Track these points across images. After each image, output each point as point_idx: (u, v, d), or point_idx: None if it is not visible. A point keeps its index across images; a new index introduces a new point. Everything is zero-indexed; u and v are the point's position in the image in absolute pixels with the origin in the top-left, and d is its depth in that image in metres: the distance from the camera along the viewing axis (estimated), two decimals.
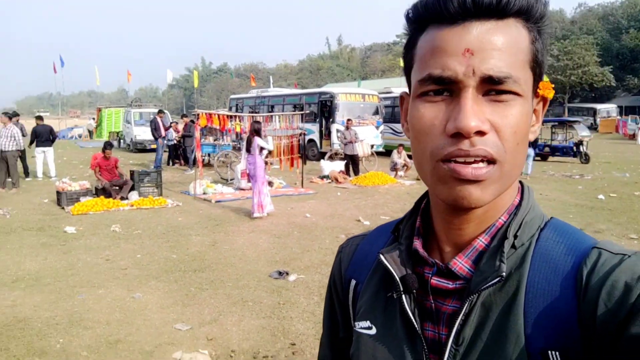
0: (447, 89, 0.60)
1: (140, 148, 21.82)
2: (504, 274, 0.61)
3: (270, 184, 11.15)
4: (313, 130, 18.80)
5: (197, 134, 11.21)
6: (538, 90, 0.66)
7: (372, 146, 16.00)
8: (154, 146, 16.73)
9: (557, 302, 0.60)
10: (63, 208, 9.03)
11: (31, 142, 12.89)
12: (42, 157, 13.04)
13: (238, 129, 12.24)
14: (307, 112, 16.37)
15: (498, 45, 0.58)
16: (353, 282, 0.81)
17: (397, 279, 0.69)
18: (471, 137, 0.58)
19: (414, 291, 0.69)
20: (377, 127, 18.93)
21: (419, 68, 0.63)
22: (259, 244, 6.78)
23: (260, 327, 4.14)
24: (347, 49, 78.13)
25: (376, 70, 69.02)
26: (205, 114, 11.36)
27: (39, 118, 13.27)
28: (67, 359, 3.56)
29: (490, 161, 0.59)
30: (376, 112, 19.47)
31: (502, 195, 0.65)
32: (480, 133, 0.58)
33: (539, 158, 18.96)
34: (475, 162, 0.59)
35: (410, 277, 0.69)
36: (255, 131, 8.46)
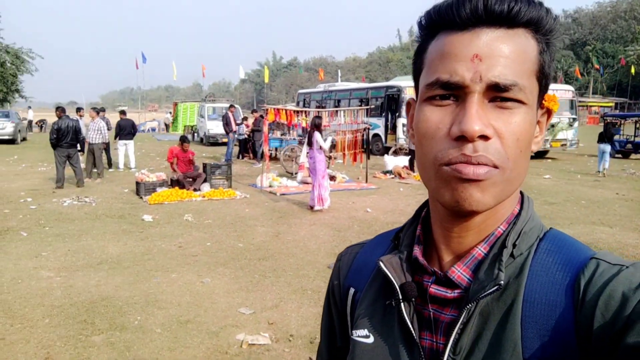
0: (454, 94, 0.61)
1: (212, 141, 22.80)
2: (502, 282, 0.62)
3: (333, 178, 11.35)
4: (378, 125, 18.79)
5: (265, 128, 11.61)
6: (543, 102, 0.67)
7: None
8: (225, 140, 17.44)
9: (554, 312, 0.60)
10: (141, 197, 9.74)
11: (115, 136, 13.93)
12: (124, 150, 14.05)
13: (304, 124, 12.54)
14: (372, 106, 16.38)
15: (506, 53, 0.59)
16: (352, 290, 0.81)
17: (397, 286, 0.70)
18: (475, 141, 0.58)
19: (413, 299, 0.69)
20: None
21: (427, 72, 0.64)
22: (320, 236, 6.99)
23: (317, 314, 4.33)
24: None
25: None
26: (273, 109, 11.75)
27: (122, 112, 14.30)
28: (144, 334, 3.95)
29: (493, 167, 0.60)
30: None
31: (502, 203, 0.65)
32: (484, 137, 0.59)
33: (620, 155, 17.78)
34: (478, 164, 0.60)
35: (410, 285, 0.69)
36: (316, 126, 8.68)
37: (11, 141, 22.17)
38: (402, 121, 17.49)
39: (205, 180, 10.85)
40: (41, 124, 33.67)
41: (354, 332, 0.76)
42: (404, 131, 16.52)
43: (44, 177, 12.22)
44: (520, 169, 0.63)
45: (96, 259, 5.87)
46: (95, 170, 12.11)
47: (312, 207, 8.60)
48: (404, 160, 13.79)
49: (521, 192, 0.72)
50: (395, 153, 15.65)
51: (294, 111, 12.31)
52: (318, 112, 11.96)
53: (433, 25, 0.65)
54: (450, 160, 0.60)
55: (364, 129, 12.47)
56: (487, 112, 0.60)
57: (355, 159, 12.54)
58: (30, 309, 4.39)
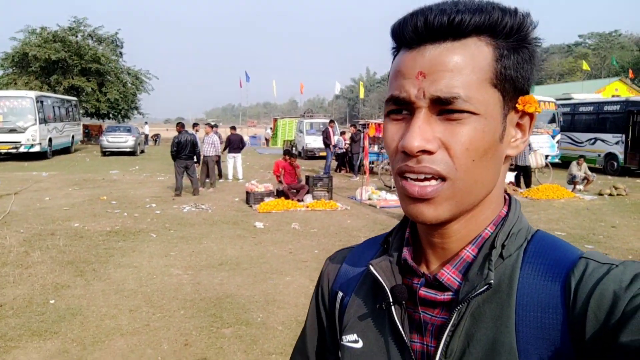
0: (405, 109, 0.63)
1: (309, 155, 23.58)
2: (492, 281, 0.62)
3: None
4: None
5: (366, 142, 11.83)
6: (517, 106, 0.65)
7: (546, 157, 14.97)
8: (322, 153, 17.94)
9: (547, 313, 0.60)
10: (251, 206, 10.36)
11: (224, 149, 14.94)
12: (233, 162, 15.01)
13: None
14: None
15: (449, 66, 0.59)
16: (340, 294, 0.81)
17: (387, 289, 0.69)
18: (418, 156, 0.60)
19: (403, 302, 0.69)
20: (553, 137, 17.60)
21: (388, 88, 0.67)
22: None
23: None
24: None
25: (553, 74, 63.39)
26: (374, 124, 11.95)
27: (233, 128, 15.32)
28: (267, 330, 4.25)
29: (440, 178, 0.61)
30: (552, 120, 18.11)
31: (481, 208, 0.66)
32: (426, 152, 0.60)
33: None
34: (425, 179, 0.61)
35: (400, 287, 0.69)
36: None
37: (132, 153, 24.54)
38: None
39: (308, 192, 11.28)
40: (155, 137, 36.90)
41: (343, 337, 0.75)
42: None
43: (163, 185, 13.43)
44: (478, 178, 0.62)
45: (217, 260, 6.38)
46: (208, 180, 13.07)
47: None
48: (509, 176, 13.27)
49: (508, 195, 0.72)
50: None
51: None
52: None
53: (395, 44, 0.67)
54: (398, 169, 0.63)
55: None
56: (434, 126, 0.60)
57: None
58: (167, 301, 4.90)
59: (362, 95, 45.11)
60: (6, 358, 3.70)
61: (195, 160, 12.20)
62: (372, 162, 16.05)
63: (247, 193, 10.83)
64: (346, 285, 0.80)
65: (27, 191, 12.00)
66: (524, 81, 0.64)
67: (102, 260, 6.23)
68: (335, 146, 17.01)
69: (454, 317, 0.63)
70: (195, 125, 15.34)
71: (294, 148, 26.91)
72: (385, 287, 0.69)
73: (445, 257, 0.68)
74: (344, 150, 17.60)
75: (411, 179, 0.61)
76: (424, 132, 0.60)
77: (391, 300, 0.69)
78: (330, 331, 0.83)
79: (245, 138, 22.66)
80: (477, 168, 0.61)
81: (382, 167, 14.50)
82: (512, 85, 0.63)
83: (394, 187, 8.82)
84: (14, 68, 31.06)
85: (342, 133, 18.78)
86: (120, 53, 35.54)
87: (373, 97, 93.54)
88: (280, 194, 11.14)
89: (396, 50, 0.67)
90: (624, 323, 0.53)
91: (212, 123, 14.95)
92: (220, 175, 15.05)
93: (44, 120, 21.28)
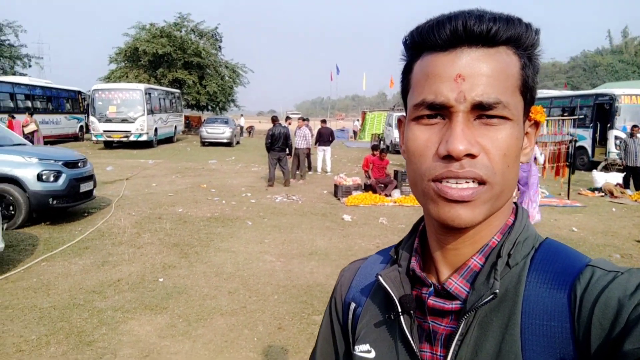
0: (440, 113, 0.62)
1: (398, 150, 23.27)
2: (497, 291, 0.62)
3: None
4: (584, 137, 16.97)
5: None
6: (530, 115, 0.68)
7: None
8: None
9: (552, 320, 0.60)
10: (339, 199, 10.54)
11: (315, 142, 15.28)
12: (322, 155, 15.33)
13: None
14: (578, 116, 14.90)
15: (488, 72, 0.60)
16: (352, 305, 0.82)
17: (396, 299, 0.70)
18: (461, 160, 0.60)
19: (412, 312, 0.70)
20: None
21: (414, 93, 0.66)
22: None
23: None
24: (635, 42, 66.33)
25: None
26: None
27: (323, 121, 15.63)
28: None
29: (480, 182, 0.61)
30: None
31: (496, 215, 0.66)
32: (470, 156, 0.60)
33: None
34: (464, 182, 0.61)
35: (409, 297, 0.70)
36: None
37: (228, 144, 25.86)
38: (614, 133, 15.56)
39: (396, 187, 11.24)
40: (250, 129, 38.55)
41: (356, 347, 0.76)
42: (616, 144, 14.66)
43: (256, 176, 14.06)
44: (509, 182, 0.64)
45: (307, 249, 6.62)
46: (298, 172, 13.48)
47: None
48: (616, 177, 12.26)
49: (515, 204, 0.72)
50: (606, 169, 14.00)
51: None
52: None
53: (417, 46, 0.66)
54: (437, 176, 0.62)
55: (569, 141, 11.46)
56: (473, 130, 0.61)
57: (558, 173, 11.59)
58: (261, 285, 5.21)
59: None
60: (124, 327, 4.17)
61: (287, 152, 12.63)
62: None
63: (336, 186, 11.03)
64: (359, 296, 0.81)
65: (136, 177, 13.16)
66: (534, 91, 0.66)
67: (203, 244, 6.73)
68: None
69: (462, 327, 0.64)
70: (287, 118, 15.84)
71: (382, 142, 26.79)
72: (394, 297, 0.70)
73: (454, 266, 0.69)
74: None
75: (449, 182, 0.61)
76: (467, 135, 0.60)
77: (400, 310, 0.70)
78: (344, 342, 0.84)
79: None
80: (510, 173, 0.63)
81: None
82: (530, 94, 0.65)
83: None
84: (126, 62, 33.85)
85: None
86: (219, 47, 37.43)
87: None
88: (368, 187, 11.21)
89: (414, 53, 0.67)
90: (628, 331, 0.53)
91: (305, 117, 15.34)
92: (309, 167, 15.43)
93: (151, 111, 23.09)
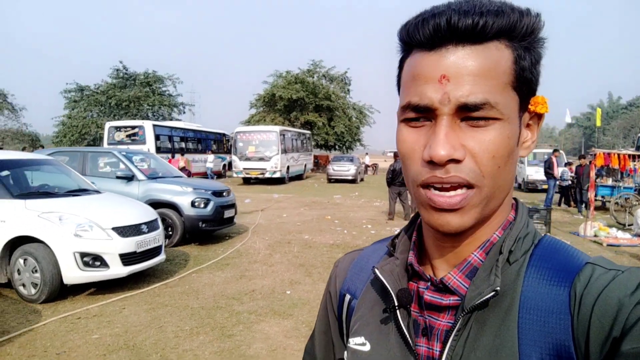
0: (425, 116, 0.60)
1: (531, 187, 22.01)
2: (498, 288, 0.61)
3: None
4: None
5: (592, 173, 10.87)
6: (529, 107, 0.64)
7: None
8: (545, 186, 16.77)
9: (551, 318, 0.59)
10: None
11: None
12: None
13: None
14: None
15: (475, 71, 0.57)
16: (347, 297, 0.81)
17: (392, 293, 0.69)
18: (445, 165, 0.58)
19: (409, 306, 0.68)
20: None
21: (402, 93, 0.64)
22: None
23: None
24: None
25: None
26: (603, 153, 10.92)
27: None
28: None
29: (468, 186, 0.59)
30: None
31: (496, 212, 0.65)
32: (455, 161, 0.58)
33: None
34: (451, 188, 0.59)
35: (405, 291, 0.68)
36: None
37: (352, 181, 26.82)
38: None
39: None
40: (374, 167, 39.38)
41: (350, 340, 0.75)
42: None
43: (377, 210, 14.55)
44: (501, 183, 0.62)
45: None
46: None
47: None
48: None
49: (515, 199, 0.71)
50: None
51: (629, 155, 11.09)
52: None
53: (406, 43, 0.64)
54: (424, 181, 0.60)
55: None
56: (458, 133, 0.59)
57: None
58: None
59: (598, 123, 39.85)
60: (257, 327, 4.87)
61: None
62: (602, 197, 14.43)
63: None
64: (354, 288, 0.80)
65: (270, 209, 14.48)
66: (535, 82, 0.63)
67: (325, 266, 7.37)
68: (559, 178, 15.80)
69: (459, 322, 0.63)
70: None
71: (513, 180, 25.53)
72: (391, 290, 0.69)
73: (454, 261, 0.67)
74: (569, 182, 16.18)
75: (436, 188, 0.60)
76: (450, 140, 0.58)
77: (396, 304, 0.68)
78: (338, 334, 0.83)
79: None
80: (501, 174, 0.61)
81: (615, 202, 12.93)
82: (527, 87, 0.62)
83: (628, 226, 7.98)
84: (264, 107, 37.08)
85: (568, 164, 17.28)
86: (348, 90, 39.27)
87: (616, 124, 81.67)
88: None
89: (405, 49, 0.65)
90: (628, 330, 0.52)
91: None
92: None
93: (284, 151, 25.06)
